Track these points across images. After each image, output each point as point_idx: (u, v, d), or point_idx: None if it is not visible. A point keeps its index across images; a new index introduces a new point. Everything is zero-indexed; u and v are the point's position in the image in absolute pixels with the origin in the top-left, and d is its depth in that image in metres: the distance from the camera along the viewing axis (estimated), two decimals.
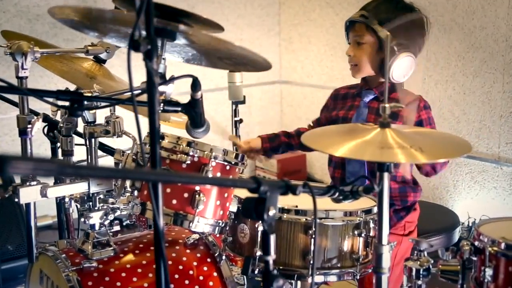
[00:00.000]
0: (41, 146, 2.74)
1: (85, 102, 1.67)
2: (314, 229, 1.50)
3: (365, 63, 2.18)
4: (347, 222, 1.79)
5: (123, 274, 1.76)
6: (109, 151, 2.24)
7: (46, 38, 3.90)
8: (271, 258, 1.30)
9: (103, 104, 1.56)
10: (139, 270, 1.78)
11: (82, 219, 1.78)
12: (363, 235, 1.80)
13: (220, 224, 1.76)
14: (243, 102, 3.27)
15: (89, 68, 2.08)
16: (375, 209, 1.86)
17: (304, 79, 4.91)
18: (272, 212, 1.28)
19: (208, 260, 1.92)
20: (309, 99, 4.89)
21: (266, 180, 1.26)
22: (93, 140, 1.76)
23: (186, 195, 1.66)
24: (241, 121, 3.31)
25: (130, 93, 1.38)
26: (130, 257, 1.83)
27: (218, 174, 1.70)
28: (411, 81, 3.95)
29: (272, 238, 1.29)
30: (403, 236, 2.20)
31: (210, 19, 1.45)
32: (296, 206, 1.79)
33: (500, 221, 1.72)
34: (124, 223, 2.31)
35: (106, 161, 2.12)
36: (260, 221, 1.28)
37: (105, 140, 2.04)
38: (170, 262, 1.86)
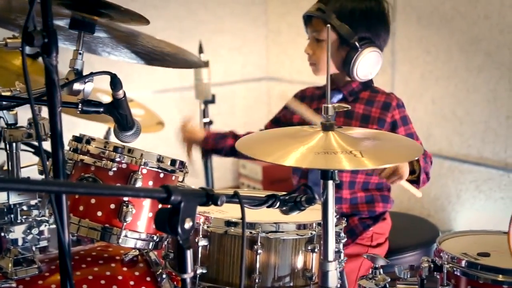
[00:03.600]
0: None
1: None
2: (242, 245, 1.53)
3: (323, 62, 2.21)
4: (298, 236, 1.82)
5: None
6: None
7: None
8: (188, 276, 1.33)
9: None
10: None
11: (2, 234, 1.81)
12: (316, 250, 1.82)
13: (155, 239, 1.79)
14: (212, 101, 3.32)
15: (20, 65, 2.12)
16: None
17: (294, 75, 4.94)
18: (188, 224, 1.31)
19: (148, 279, 1.95)
20: None
21: (180, 189, 1.29)
22: (14, 144, 1.79)
23: (112, 206, 1.69)
24: (210, 123, 3.36)
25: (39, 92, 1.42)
26: (57, 276, 1.85)
27: (150, 183, 1.73)
28: (409, 77, 3.99)
29: (189, 254, 1.32)
30: (369, 247, 2.23)
31: (132, 10, 1.49)
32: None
33: (466, 235, 1.74)
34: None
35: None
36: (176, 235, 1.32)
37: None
38: (103, 282, 1.89)
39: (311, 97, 2.38)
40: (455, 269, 1.55)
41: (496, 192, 3.63)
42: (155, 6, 4.30)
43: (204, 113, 3.28)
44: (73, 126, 3.94)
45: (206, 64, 3.16)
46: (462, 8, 3.64)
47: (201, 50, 3.14)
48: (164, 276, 1.94)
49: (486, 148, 3.63)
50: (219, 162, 4.68)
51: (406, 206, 4.07)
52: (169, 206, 1.29)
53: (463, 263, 1.55)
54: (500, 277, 1.50)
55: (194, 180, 3.66)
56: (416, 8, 3.89)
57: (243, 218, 1.41)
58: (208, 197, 1.35)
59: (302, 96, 2.43)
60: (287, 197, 1.61)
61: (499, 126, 3.55)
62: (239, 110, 5.00)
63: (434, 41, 3.81)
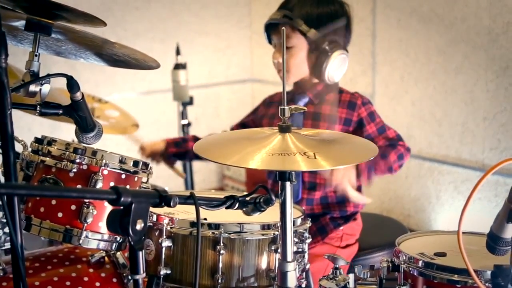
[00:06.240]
0: None
1: None
2: (197, 245, 1.52)
3: (296, 68, 2.21)
4: (262, 236, 1.82)
5: None
6: None
7: None
8: (140, 277, 1.33)
9: None
10: None
11: None
12: (280, 250, 1.82)
13: (118, 240, 1.79)
14: (190, 103, 3.32)
15: None
16: (298, 221, 1.89)
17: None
18: (139, 225, 1.31)
19: (114, 280, 1.94)
20: None
21: (130, 190, 1.29)
22: None
23: (73, 207, 1.69)
24: (189, 124, 3.35)
25: None
26: None
27: (112, 184, 1.73)
28: (389, 79, 3.99)
29: (141, 255, 1.32)
30: (338, 248, 2.23)
31: (89, 13, 1.48)
32: (205, 219, 1.82)
33: (425, 235, 1.75)
34: None
35: None
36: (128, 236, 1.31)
37: None
38: (68, 283, 1.89)
39: (280, 102, 2.38)
40: (411, 269, 1.55)
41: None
42: (137, 8, 4.29)
43: (183, 115, 3.26)
44: (54, 129, 3.95)
45: (183, 66, 3.16)
46: (440, 10, 3.65)
47: (178, 52, 3.13)
48: (130, 277, 1.94)
49: (464, 149, 3.63)
50: (203, 164, 4.68)
51: (387, 207, 4.08)
52: None
53: (420, 263, 1.55)
54: (456, 277, 1.50)
55: (175, 182, 3.65)
56: (395, 10, 3.89)
57: (197, 219, 1.41)
58: (161, 198, 1.35)
59: (270, 102, 2.45)
60: (246, 198, 1.61)
61: (476, 128, 3.56)
62: (224, 112, 5.00)
63: (413, 43, 3.82)
